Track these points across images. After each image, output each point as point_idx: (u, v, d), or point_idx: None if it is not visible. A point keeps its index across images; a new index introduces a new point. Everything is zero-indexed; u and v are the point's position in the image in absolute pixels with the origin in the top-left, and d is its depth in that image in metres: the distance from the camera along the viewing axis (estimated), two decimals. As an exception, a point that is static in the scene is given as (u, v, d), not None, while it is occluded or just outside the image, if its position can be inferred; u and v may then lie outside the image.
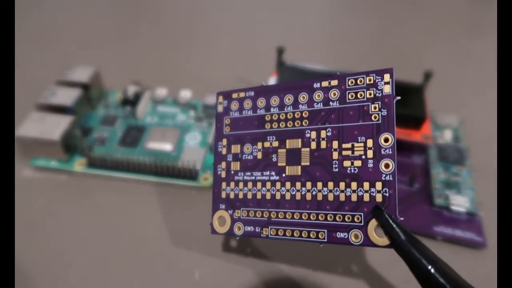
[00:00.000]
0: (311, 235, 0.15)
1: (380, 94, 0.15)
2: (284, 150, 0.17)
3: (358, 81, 0.15)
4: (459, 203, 0.22)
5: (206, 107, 0.29)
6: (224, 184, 0.18)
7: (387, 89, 0.15)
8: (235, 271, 0.20)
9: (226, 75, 0.34)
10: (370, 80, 0.15)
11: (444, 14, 0.46)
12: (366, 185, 0.15)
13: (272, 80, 0.27)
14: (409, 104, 0.25)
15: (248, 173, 0.17)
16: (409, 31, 0.42)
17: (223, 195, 0.18)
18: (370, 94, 0.15)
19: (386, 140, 0.15)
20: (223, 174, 0.18)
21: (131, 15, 0.43)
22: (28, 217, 0.22)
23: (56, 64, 0.29)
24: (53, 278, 0.20)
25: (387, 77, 0.15)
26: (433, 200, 0.23)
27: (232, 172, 0.18)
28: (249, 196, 0.17)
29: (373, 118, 0.15)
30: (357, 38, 0.41)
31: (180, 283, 0.20)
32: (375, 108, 0.15)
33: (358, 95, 0.15)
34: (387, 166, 0.15)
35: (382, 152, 0.15)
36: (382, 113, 0.15)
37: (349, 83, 0.16)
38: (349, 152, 0.15)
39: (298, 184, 0.16)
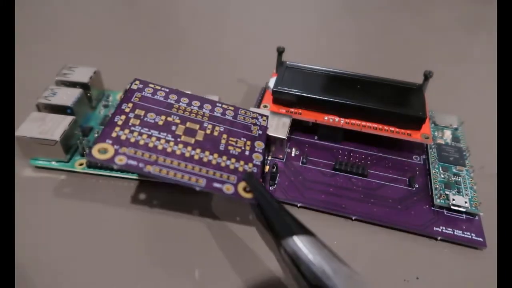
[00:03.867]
0: (191, 179, 0.19)
1: (260, 124, 0.24)
2: (184, 126, 0.22)
3: (247, 113, 0.24)
4: (459, 203, 0.22)
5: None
6: (117, 128, 0.20)
7: (264, 123, 0.24)
8: (235, 271, 0.20)
9: (226, 75, 0.34)
10: (254, 116, 0.24)
11: (444, 14, 0.46)
12: (242, 162, 0.21)
13: (272, 81, 0.27)
14: (409, 104, 0.25)
15: (146, 129, 0.21)
16: (409, 31, 0.42)
17: (113, 134, 0.20)
18: (254, 122, 0.24)
19: (259, 144, 0.22)
20: (120, 122, 0.21)
21: (131, 15, 0.43)
22: (28, 217, 0.22)
23: (56, 64, 0.29)
24: (53, 278, 0.20)
25: (264, 118, 0.24)
26: (433, 200, 0.23)
27: (130, 124, 0.21)
28: (141, 142, 0.20)
29: (253, 132, 0.23)
30: (357, 38, 0.41)
31: (180, 283, 0.20)
32: (255, 128, 0.23)
33: (246, 119, 0.24)
34: (257, 157, 0.22)
35: (255, 150, 0.22)
36: (259, 132, 0.23)
37: (241, 112, 0.24)
38: (233, 143, 0.22)
39: (189, 148, 0.21)
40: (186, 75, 0.34)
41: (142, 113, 0.22)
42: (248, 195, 0.19)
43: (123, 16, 0.43)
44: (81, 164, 0.25)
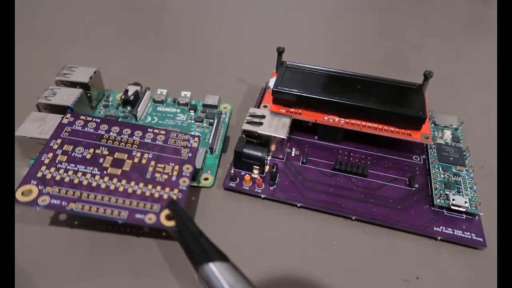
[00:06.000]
0: (113, 213, 0.19)
1: (190, 145, 0.23)
2: (112, 157, 0.22)
3: (178, 136, 0.24)
4: (459, 203, 0.22)
5: (206, 107, 0.29)
6: (43, 167, 0.21)
7: (195, 144, 0.23)
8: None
9: (226, 76, 0.34)
10: (185, 138, 0.24)
11: (444, 14, 0.46)
12: (167, 189, 0.21)
13: (272, 81, 0.27)
14: (409, 104, 0.25)
15: (72, 165, 0.21)
16: (409, 31, 0.42)
17: (39, 174, 0.20)
18: (184, 144, 0.23)
19: (187, 168, 0.22)
20: (46, 161, 0.21)
21: (131, 16, 0.43)
22: (28, 217, 0.22)
23: (56, 64, 0.29)
24: (53, 278, 0.20)
25: (196, 139, 0.24)
26: (433, 200, 0.23)
27: (57, 161, 0.21)
28: (66, 179, 0.20)
29: (183, 156, 0.23)
30: (357, 38, 0.41)
31: (180, 283, 0.20)
32: (185, 151, 0.23)
33: (177, 142, 0.23)
34: (184, 181, 0.21)
35: (183, 174, 0.22)
36: (189, 155, 0.23)
37: (172, 135, 0.24)
38: (161, 169, 0.22)
39: (115, 180, 0.21)
40: (186, 75, 0.34)
41: (70, 148, 0.22)
42: (170, 223, 0.19)
43: (123, 16, 0.43)
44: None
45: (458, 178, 0.24)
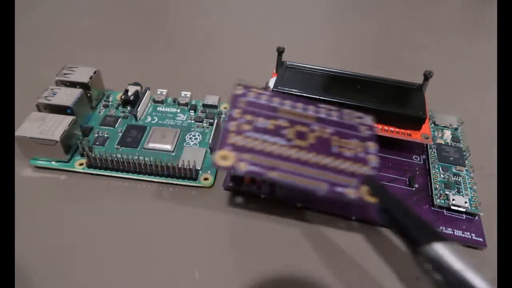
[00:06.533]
0: (314, 184, 0.19)
1: (366, 122, 0.22)
2: (294, 129, 0.21)
3: (352, 113, 0.23)
4: (459, 203, 0.22)
5: (206, 107, 0.29)
6: (232, 135, 0.20)
7: (370, 122, 0.22)
8: (235, 271, 0.20)
9: (226, 76, 0.34)
10: (359, 115, 0.23)
11: (444, 14, 0.46)
12: (359, 165, 0.20)
13: (272, 81, 0.27)
14: (409, 104, 0.25)
15: (259, 134, 0.20)
16: (409, 31, 0.42)
17: (230, 141, 0.20)
18: (360, 121, 0.22)
19: (372, 145, 0.21)
20: (233, 128, 0.20)
21: (131, 16, 0.43)
22: (28, 217, 0.22)
23: (56, 64, 0.29)
24: (53, 278, 0.20)
25: (370, 117, 0.23)
26: (433, 200, 0.23)
27: (243, 129, 0.20)
28: (258, 148, 0.20)
29: (362, 133, 0.22)
30: (357, 38, 0.41)
31: (180, 283, 0.20)
32: (363, 128, 0.22)
33: (352, 119, 0.22)
34: (372, 159, 0.20)
35: (369, 150, 0.21)
36: (368, 132, 0.22)
37: (346, 112, 0.23)
38: (345, 145, 0.21)
39: (304, 152, 0.20)
40: (186, 75, 0.34)
41: (252, 118, 0.21)
42: (372, 199, 0.18)
43: (123, 16, 0.43)
44: (81, 164, 0.25)
45: (458, 178, 0.24)
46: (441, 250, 0.15)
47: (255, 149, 0.20)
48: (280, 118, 0.21)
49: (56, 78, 0.28)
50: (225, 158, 0.19)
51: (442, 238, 0.15)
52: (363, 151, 0.21)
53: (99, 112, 0.29)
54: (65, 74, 0.28)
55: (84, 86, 0.27)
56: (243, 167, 0.19)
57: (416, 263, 0.15)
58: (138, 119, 0.28)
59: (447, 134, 0.27)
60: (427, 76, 0.26)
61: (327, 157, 0.20)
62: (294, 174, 0.19)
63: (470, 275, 0.14)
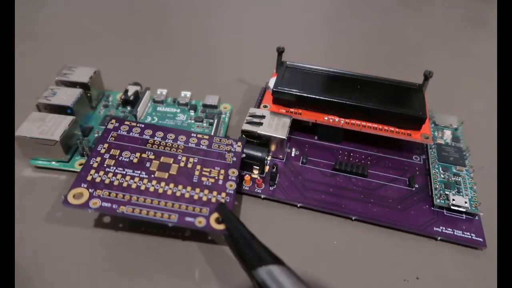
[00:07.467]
0: (164, 216, 0.19)
1: (234, 150, 0.23)
2: (158, 162, 0.22)
3: (222, 141, 0.24)
4: (459, 203, 0.22)
5: (206, 107, 0.29)
6: (93, 171, 0.21)
7: (238, 149, 0.23)
8: (235, 271, 0.20)
9: (226, 76, 0.34)
10: (229, 142, 0.24)
11: (444, 14, 0.46)
12: (215, 193, 0.21)
13: (272, 81, 0.27)
14: (409, 104, 0.25)
15: (121, 168, 0.21)
16: (409, 31, 0.42)
17: (89, 178, 0.21)
18: (228, 149, 0.23)
19: (233, 172, 0.22)
20: (95, 165, 0.21)
21: (131, 16, 0.43)
22: (28, 217, 0.22)
23: (56, 64, 0.29)
24: (53, 278, 0.20)
25: (239, 144, 0.24)
26: (433, 200, 0.23)
27: (105, 165, 0.21)
28: (116, 183, 0.21)
29: (227, 160, 0.23)
30: (357, 38, 0.41)
31: (180, 283, 0.20)
32: (229, 155, 0.23)
33: (220, 147, 0.23)
34: (230, 185, 0.21)
35: (229, 178, 0.22)
36: (233, 159, 0.23)
37: (215, 140, 0.24)
38: (207, 173, 0.22)
39: (163, 183, 0.21)
40: (186, 75, 0.34)
41: (117, 152, 0.22)
42: (220, 226, 0.19)
43: (123, 16, 0.43)
44: (81, 164, 0.25)
45: (458, 178, 0.24)
46: (269, 272, 0.16)
47: (113, 184, 0.20)
48: (147, 151, 0.22)
49: (56, 78, 0.28)
50: (79, 196, 0.20)
51: (275, 262, 0.16)
52: (223, 179, 0.22)
53: (99, 112, 0.29)
54: (65, 74, 0.28)
55: (84, 86, 0.27)
56: (95, 205, 0.19)
57: (252, 285, 0.16)
58: (138, 119, 0.28)
59: (447, 134, 0.27)
60: (427, 76, 0.26)
61: (186, 188, 0.21)
62: (146, 207, 0.20)
63: None
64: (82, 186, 0.20)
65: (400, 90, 0.26)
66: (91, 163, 0.21)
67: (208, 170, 0.22)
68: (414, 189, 0.24)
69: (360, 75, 0.27)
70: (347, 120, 0.25)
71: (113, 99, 0.30)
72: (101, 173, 0.21)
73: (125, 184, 0.21)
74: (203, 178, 0.21)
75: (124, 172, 0.21)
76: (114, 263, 0.20)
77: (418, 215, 0.22)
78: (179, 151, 0.23)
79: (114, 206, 0.20)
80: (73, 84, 0.27)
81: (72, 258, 0.20)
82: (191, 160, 0.22)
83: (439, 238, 0.22)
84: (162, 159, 0.22)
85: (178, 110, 0.29)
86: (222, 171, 0.22)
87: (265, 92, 0.28)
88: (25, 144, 0.24)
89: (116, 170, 0.21)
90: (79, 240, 0.21)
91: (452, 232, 0.22)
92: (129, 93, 0.28)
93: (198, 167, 0.22)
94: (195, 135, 0.24)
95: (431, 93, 0.27)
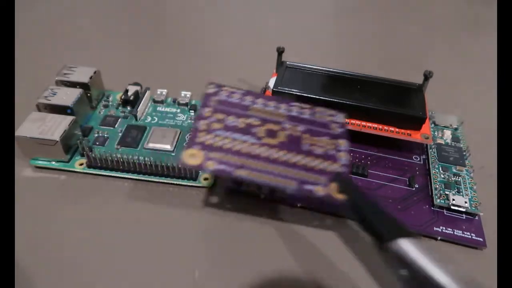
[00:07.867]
0: (282, 182, 0.19)
1: (337, 120, 0.23)
2: (264, 128, 0.21)
3: (322, 111, 0.23)
4: (459, 203, 0.22)
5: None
6: (201, 134, 0.20)
7: (342, 120, 0.23)
8: (235, 271, 0.20)
9: (226, 76, 0.34)
10: (331, 113, 0.23)
11: (444, 14, 0.46)
12: (328, 162, 0.20)
13: (272, 81, 0.27)
14: (409, 104, 0.25)
15: (229, 132, 0.21)
16: (409, 31, 0.42)
17: (199, 140, 0.20)
18: (331, 119, 0.23)
19: (341, 143, 0.21)
20: (203, 127, 0.21)
21: (131, 16, 0.43)
22: (28, 217, 0.22)
23: (56, 64, 0.29)
24: (53, 278, 0.20)
25: (341, 115, 0.23)
26: (433, 200, 0.23)
27: (213, 128, 0.21)
28: (227, 146, 0.20)
29: (333, 130, 0.22)
30: (357, 38, 0.41)
31: (180, 283, 0.20)
32: (334, 125, 0.22)
33: (323, 117, 0.23)
34: (343, 156, 0.21)
35: (339, 148, 0.21)
36: (340, 129, 0.22)
37: (317, 110, 0.23)
38: (316, 142, 0.21)
39: (274, 150, 0.20)
40: (186, 75, 0.34)
41: (222, 116, 0.21)
42: (341, 196, 0.19)
43: (123, 16, 0.43)
44: (81, 164, 0.25)
45: (458, 178, 0.24)
46: (406, 246, 0.15)
47: (224, 147, 0.20)
48: (251, 117, 0.22)
49: (56, 78, 0.28)
50: (194, 156, 0.19)
51: (407, 233, 0.15)
52: (334, 149, 0.21)
53: (99, 112, 0.29)
54: (65, 74, 0.28)
55: (84, 86, 0.27)
56: (211, 166, 0.19)
57: (383, 259, 0.15)
58: (138, 119, 0.28)
59: (447, 134, 0.27)
60: (427, 76, 0.26)
61: (297, 155, 0.20)
62: (262, 172, 0.19)
63: (434, 270, 0.14)
64: (194, 147, 0.20)
65: (400, 90, 0.26)
66: (198, 126, 0.21)
67: (316, 139, 0.21)
68: (414, 189, 0.24)
69: (360, 75, 0.27)
70: (347, 120, 0.25)
71: (113, 99, 0.30)
72: (210, 136, 0.20)
73: (236, 148, 0.20)
74: (313, 147, 0.21)
75: (233, 137, 0.20)
76: (114, 263, 0.20)
77: (418, 215, 0.22)
78: (283, 119, 0.22)
79: (230, 169, 0.19)
80: (73, 84, 0.27)
81: (72, 258, 0.20)
82: (297, 128, 0.22)
83: (439, 238, 0.22)
84: (267, 125, 0.21)
85: (178, 110, 0.29)
86: (331, 141, 0.21)
87: (265, 92, 0.28)
88: (25, 144, 0.24)
89: (225, 134, 0.20)
90: (79, 241, 0.21)
91: (452, 232, 0.22)
92: (129, 93, 0.28)
93: (306, 135, 0.21)
94: (294, 104, 0.23)
95: (431, 93, 0.27)
